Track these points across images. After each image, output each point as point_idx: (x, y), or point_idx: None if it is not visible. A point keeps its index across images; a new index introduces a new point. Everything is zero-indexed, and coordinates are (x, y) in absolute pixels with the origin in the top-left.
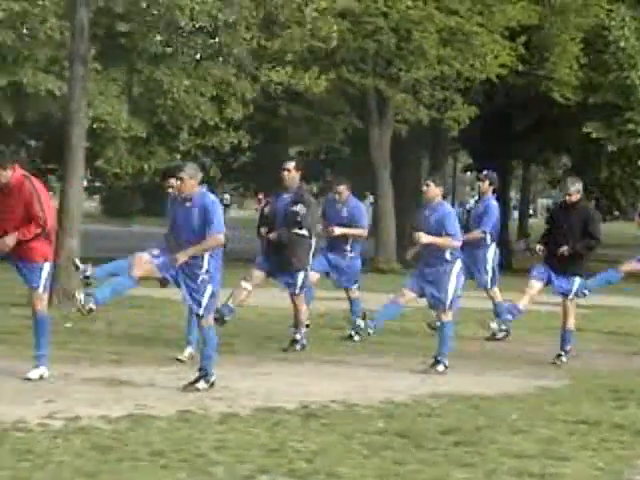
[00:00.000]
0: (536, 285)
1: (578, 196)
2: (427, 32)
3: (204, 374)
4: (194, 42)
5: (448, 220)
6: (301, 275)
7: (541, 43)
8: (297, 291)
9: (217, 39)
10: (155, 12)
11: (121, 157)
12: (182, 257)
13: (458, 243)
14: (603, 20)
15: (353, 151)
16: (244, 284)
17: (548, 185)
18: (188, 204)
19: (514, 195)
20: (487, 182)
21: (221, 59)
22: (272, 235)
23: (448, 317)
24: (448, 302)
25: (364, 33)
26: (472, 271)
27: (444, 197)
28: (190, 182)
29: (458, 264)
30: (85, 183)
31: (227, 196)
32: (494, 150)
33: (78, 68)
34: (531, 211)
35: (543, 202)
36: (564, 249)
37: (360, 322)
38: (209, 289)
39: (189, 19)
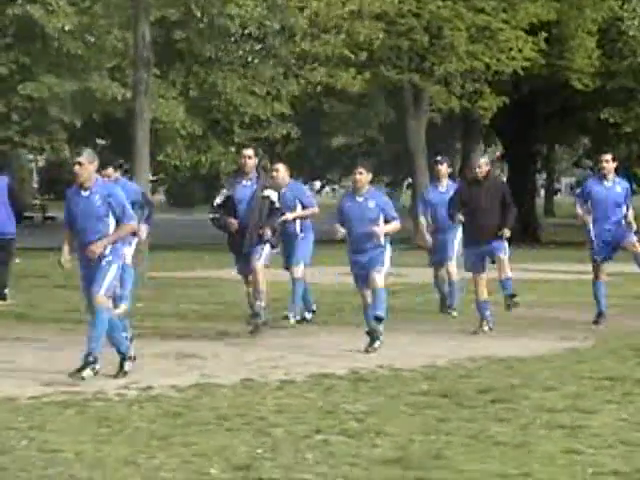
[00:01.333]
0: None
1: (487, 169)
2: (457, 29)
3: (92, 360)
4: (243, 47)
5: None
6: (267, 247)
7: (560, 36)
8: (261, 261)
9: (265, 43)
10: (206, 20)
11: (180, 152)
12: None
13: None
14: (616, 12)
15: (386, 140)
16: (249, 289)
17: (571, 165)
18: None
19: (540, 175)
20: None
21: (271, 62)
22: (268, 234)
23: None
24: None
25: (398, 32)
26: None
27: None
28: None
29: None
30: (150, 177)
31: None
32: (521, 135)
33: (141, 74)
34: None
35: (567, 180)
36: (506, 233)
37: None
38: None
39: (239, 26)
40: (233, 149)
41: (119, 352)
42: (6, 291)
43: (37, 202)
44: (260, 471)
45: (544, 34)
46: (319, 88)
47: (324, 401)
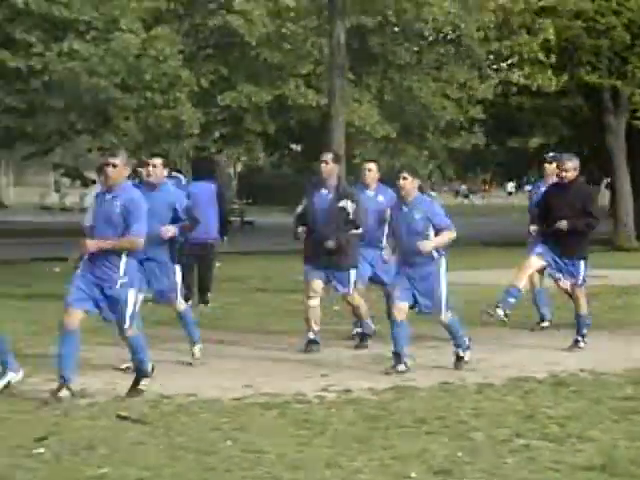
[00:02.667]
0: (535, 263)
1: (575, 174)
2: None
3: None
4: (437, 50)
5: None
6: (353, 273)
7: None
8: (351, 290)
9: (460, 45)
10: (401, 26)
11: (372, 156)
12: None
13: None
14: None
15: (582, 139)
16: (312, 302)
17: None
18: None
19: None
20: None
21: (465, 66)
22: (330, 243)
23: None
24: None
25: (597, 31)
26: None
27: None
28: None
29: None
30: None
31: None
32: None
33: (336, 80)
34: None
35: None
36: (563, 224)
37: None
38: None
39: (433, 30)
40: (426, 153)
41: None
42: (209, 295)
43: (236, 207)
44: (460, 475)
45: None
46: (514, 89)
47: (524, 405)
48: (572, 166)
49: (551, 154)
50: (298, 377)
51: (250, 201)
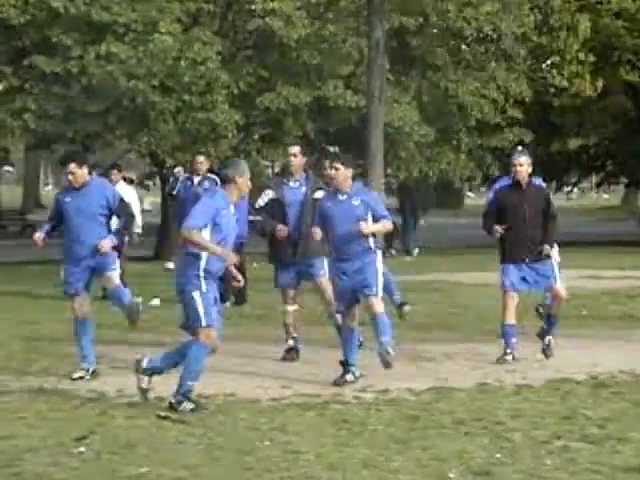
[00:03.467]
0: (511, 300)
1: (529, 170)
2: None
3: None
4: (477, 49)
5: None
6: (325, 260)
7: None
8: (325, 275)
9: (499, 44)
10: (443, 25)
11: (412, 159)
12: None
13: None
14: None
15: (626, 139)
16: (289, 308)
17: None
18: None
19: None
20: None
21: (504, 66)
22: (316, 233)
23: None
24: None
25: (638, 31)
26: None
27: None
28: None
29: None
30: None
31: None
32: None
33: (375, 80)
34: None
35: None
36: (547, 250)
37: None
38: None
39: (474, 29)
40: (463, 156)
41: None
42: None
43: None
44: (499, 476)
45: None
46: (553, 90)
47: (563, 406)
48: (527, 161)
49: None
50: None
51: None
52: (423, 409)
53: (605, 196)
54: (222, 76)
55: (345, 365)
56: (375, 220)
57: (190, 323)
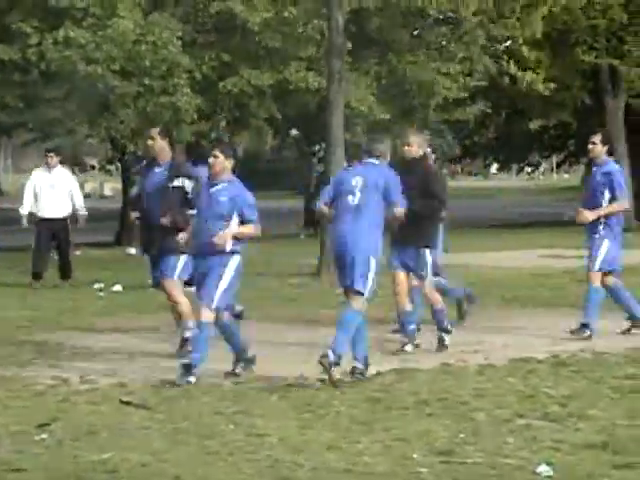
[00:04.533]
0: (400, 279)
1: (419, 151)
2: None
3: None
4: (438, 31)
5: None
6: (181, 258)
7: None
8: (174, 276)
9: (460, 26)
10: (405, 5)
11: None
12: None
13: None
14: None
15: (580, 124)
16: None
17: None
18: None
19: None
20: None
21: (464, 45)
22: (164, 220)
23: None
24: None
25: (595, 11)
26: None
27: None
28: None
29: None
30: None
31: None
32: None
33: (335, 62)
34: None
35: None
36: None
37: None
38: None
39: (436, 10)
40: (428, 132)
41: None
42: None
43: None
44: (463, 456)
45: None
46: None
47: (525, 385)
48: (416, 141)
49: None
50: (299, 361)
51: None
52: (386, 391)
53: (565, 176)
54: (183, 60)
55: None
56: (241, 222)
57: (358, 287)
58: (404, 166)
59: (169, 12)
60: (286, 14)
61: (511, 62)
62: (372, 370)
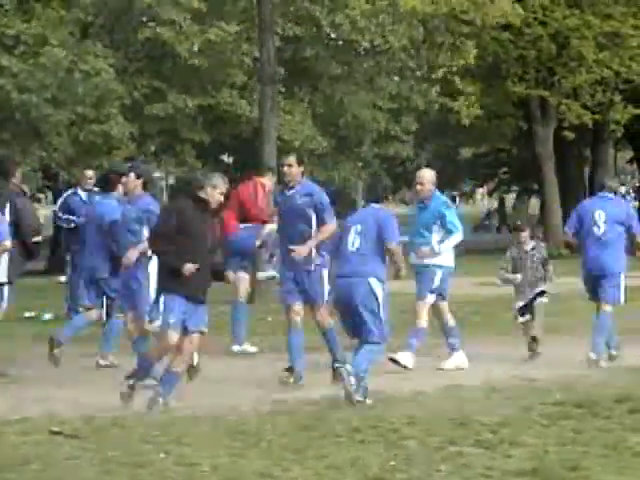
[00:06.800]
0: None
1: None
2: (584, 38)
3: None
4: (368, 62)
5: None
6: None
7: None
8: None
9: (392, 57)
10: (334, 37)
11: (309, 171)
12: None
13: None
14: None
15: (519, 150)
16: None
17: None
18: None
19: None
20: None
21: (396, 77)
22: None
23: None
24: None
25: (524, 43)
26: None
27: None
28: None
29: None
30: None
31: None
32: None
33: (267, 90)
34: None
35: None
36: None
37: None
38: None
39: (368, 41)
40: (360, 164)
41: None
42: None
43: None
44: None
45: None
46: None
47: (457, 412)
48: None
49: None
50: (231, 391)
51: None
52: (318, 418)
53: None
54: (117, 88)
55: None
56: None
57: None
58: None
59: (100, 40)
60: (213, 37)
61: (439, 90)
62: (304, 397)
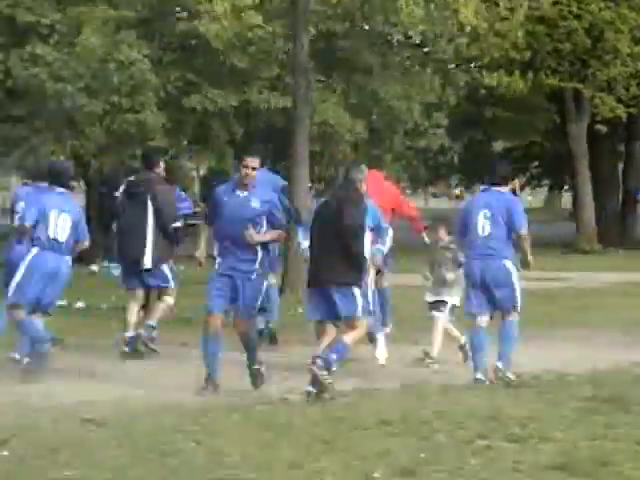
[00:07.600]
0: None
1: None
2: (619, 31)
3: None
4: (403, 54)
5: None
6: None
7: None
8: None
9: (426, 48)
10: (369, 29)
11: (346, 158)
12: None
13: None
14: None
15: (552, 144)
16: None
17: None
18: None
19: None
20: None
21: (429, 69)
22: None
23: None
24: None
25: (558, 36)
26: None
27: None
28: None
29: None
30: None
31: None
32: None
33: (300, 81)
34: None
35: None
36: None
37: None
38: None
39: (402, 34)
40: (390, 157)
41: None
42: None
43: (199, 209)
44: (424, 475)
45: None
46: (480, 93)
47: (486, 406)
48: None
49: None
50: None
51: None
52: (348, 410)
53: (528, 198)
54: (151, 78)
55: None
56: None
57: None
58: None
59: (136, 30)
60: (252, 35)
61: (484, 73)
62: (335, 389)
